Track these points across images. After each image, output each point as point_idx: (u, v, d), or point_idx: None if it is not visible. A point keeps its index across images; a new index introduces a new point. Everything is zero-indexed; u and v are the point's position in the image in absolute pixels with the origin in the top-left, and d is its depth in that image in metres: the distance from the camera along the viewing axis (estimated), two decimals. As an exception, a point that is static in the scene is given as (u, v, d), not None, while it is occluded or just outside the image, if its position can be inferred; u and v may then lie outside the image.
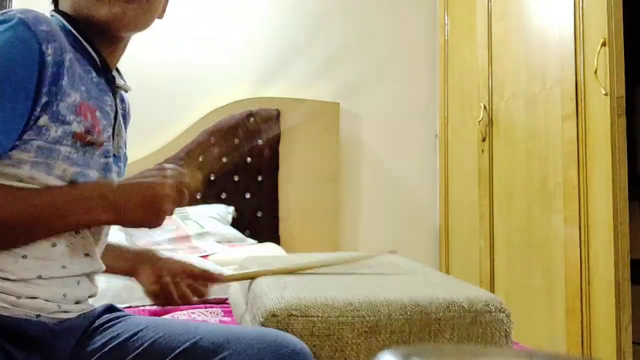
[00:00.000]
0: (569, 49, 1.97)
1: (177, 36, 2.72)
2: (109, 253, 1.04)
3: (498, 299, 1.11)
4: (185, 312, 1.64)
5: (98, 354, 0.90)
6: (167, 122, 2.71)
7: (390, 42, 2.99)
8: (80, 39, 0.94)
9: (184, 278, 1.08)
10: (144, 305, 1.71)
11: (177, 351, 0.87)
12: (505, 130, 2.37)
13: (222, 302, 1.76)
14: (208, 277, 1.12)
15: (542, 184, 2.11)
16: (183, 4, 2.72)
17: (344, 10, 2.95)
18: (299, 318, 1.01)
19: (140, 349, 0.89)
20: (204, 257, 2.04)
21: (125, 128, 1.08)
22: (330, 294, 1.09)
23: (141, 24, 0.97)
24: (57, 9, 0.99)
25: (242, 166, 2.66)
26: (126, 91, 1.06)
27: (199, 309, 1.68)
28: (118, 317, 0.98)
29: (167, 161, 2.61)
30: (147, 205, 0.88)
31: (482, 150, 2.51)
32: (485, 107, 2.49)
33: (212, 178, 2.64)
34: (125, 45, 1.02)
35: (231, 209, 2.58)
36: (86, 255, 0.94)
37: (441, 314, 1.06)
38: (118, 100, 1.02)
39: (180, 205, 0.92)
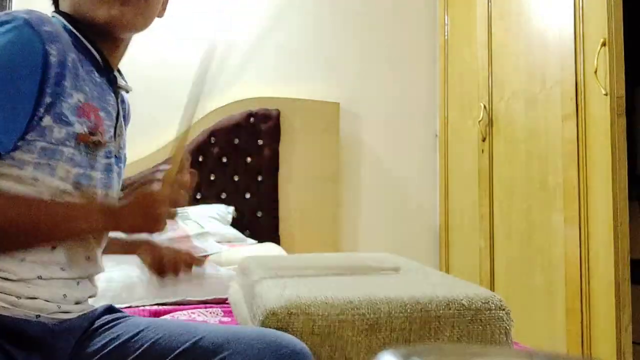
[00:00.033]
0: (569, 49, 1.97)
1: (177, 36, 2.72)
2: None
3: (497, 296, 1.11)
4: (185, 312, 1.64)
5: (98, 355, 0.90)
6: (167, 122, 2.71)
7: (390, 42, 2.99)
8: (83, 39, 0.94)
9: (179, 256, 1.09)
10: (143, 306, 1.71)
11: (177, 351, 0.87)
12: (505, 130, 2.37)
13: (222, 302, 1.76)
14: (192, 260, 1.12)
15: (542, 184, 2.11)
16: (183, 4, 2.72)
17: (344, 10, 2.95)
18: (299, 316, 1.01)
19: (140, 349, 0.89)
20: (204, 257, 2.03)
21: (125, 128, 1.09)
22: (331, 292, 1.09)
23: (140, 25, 0.97)
24: (57, 10, 0.99)
25: (242, 166, 2.66)
26: (127, 92, 1.06)
27: (199, 309, 1.68)
28: (118, 318, 0.99)
29: (167, 161, 2.60)
30: (145, 211, 0.88)
31: (482, 150, 2.51)
32: (485, 107, 2.49)
33: (212, 178, 2.64)
34: (126, 45, 1.03)
35: (231, 209, 2.58)
36: (87, 258, 0.94)
37: (441, 312, 1.06)
38: (119, 101, 1.02)
39: (180, 205, 0.92)
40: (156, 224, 0.89)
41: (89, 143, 0.89)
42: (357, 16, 2.96)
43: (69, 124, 0.86)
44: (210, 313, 1.66)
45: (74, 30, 0.93)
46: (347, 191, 2.87)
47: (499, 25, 2.44)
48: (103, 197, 0.94)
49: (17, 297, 0.83)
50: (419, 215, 2.96)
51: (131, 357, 0.89)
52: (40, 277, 0.86)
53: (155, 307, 1.70)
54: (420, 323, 1.05)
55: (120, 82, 1.03)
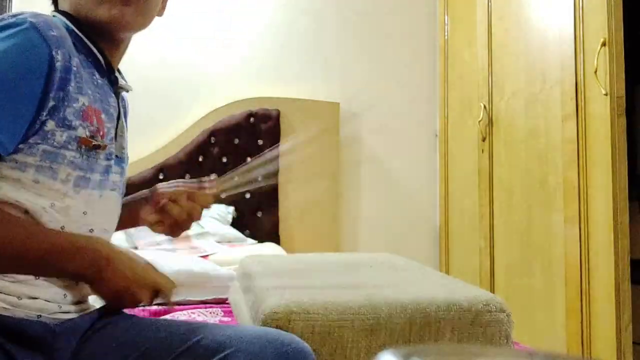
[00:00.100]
0: (569, 49, 1.97)
1: (177, 36, 2.72)
2: None
3: (498, 299, 1.11)
4: (185, 312, 1.64)
5: (99, 354, 0.90)
6: (167, 122, 2.71)
7: (390, 42, 2.99)
8: (85, 40, 0.94)
9: (181, 198, 1.08)
10: (144, 306, 1.71)
11: (179, 350, 0.87)
12: (505, 130, 2.37)
13: (222, 302, 1.76)
14: (201, 187, 1.12)
15: (542, 184, 2.11)
16: (183, 3, 2.72)
17: (344, 11, 2.95)
18: (300, 317, 1.01)
19: (142, 348, 0.89)
20: (204, 257, 2.04)
21: (126, 128, 1.09)
22: (331, 294, 1.09)
23: (139, 24, 0.97)
24: (57, 9, 0.99)
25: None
26: (127, 91, 1.06)
27: (199, 309, 1.68)
28: (119, 318, 0.98)
29: (167, 161, 2.61)
30: (123, 291, 0.90)
31: (482, 150, 2.51)
32: (485, 107, 2.49)
33: (212, 178, 2.63)
34: (127, 45, 1.03)
35: (231, 209, 2.58)
36: None
37: (441, 314, 1.06)
38: (119, 101, 1.02)
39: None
40: (125, 305, 0.93)
41: (90, 146, 0.89)
42: (357, 16, 2.96)
43: (72, 128, 0.86)
44: (210, 313, 1.66)
45: (76, 31, 0.93)
46: (347, 191, 2.87)
47: (499, 25, 2.44)
48: (97, 199, 0.94)
49: (17, 297, 0.84)
50: (419, 215, 2.96)
51: (133, 357, 0.89)
52: (37, 277, 0.86)
53: (155, 307, 1.70)
54: (420, 325, 1.05)
55: (121, 82, 1.03)
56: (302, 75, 2.88)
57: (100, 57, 0.96)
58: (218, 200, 1.10)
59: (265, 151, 2.54)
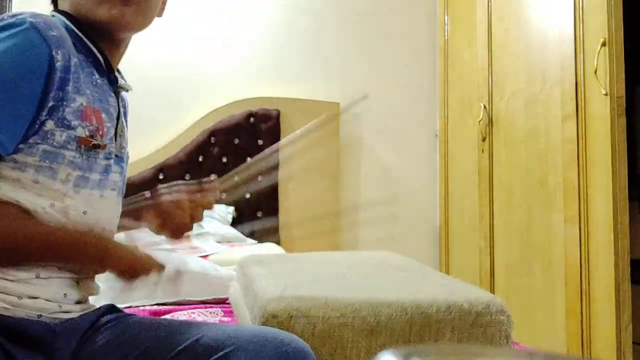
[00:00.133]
0: (569, 49, 1.97)
1: (177, 36, 2.72)
2: None
3: (498, 300, 1.11)
4: (185, 312, 1.64)
5: (100, 354, 0.91)
6: (167, 122, 2.71)
7: (390, 42, 2.99)
8: (85, 40, 0.94)
9: (183, 201, 1.10)
10: (144, 306, 1.71)
11: (179, 349, 0.87)
12: (505, 130, 2.37)
13: (222, 302, 1.76)
14: (201, 188, 1.13)
15: (542, 184, 2.11)
16: (183, 3, 2.72)
17: (344, 11, 2.95)
18: (300, 318, 1.01)
19: (142, 347, 0.89)
20: (204, 257, 2.04)
21: (126, 127, 1.09)
22: (331, 294, 1.09)
23: (140, 24, 0.97)
24: (56, 9, 0.99)
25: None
26: (127, 91, 1.07)
27: (199, 309, 1.68)
28: (119, 317, 0.99)
29: (167, 161, 2.61)
30: (133, 262, 0.91)
31: (482, 150, 2.51)
32: (485, 107, 2.49)
33: (212, 178, 2.63)
34: (126, 45, 1.03)
35: (231, 209, 2.58)
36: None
37: (442, 315, 1.06)
38: (119, 100, 1.02)
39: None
40: (131, 281, 0.93)
41: (90, 146, 0.89)
42: (357, 16, 2.96)
43: (71, 127, 0.86)
44: (210, 313, 1.66)
45: (76, 30, 0.93)
46: (347, 191, 2.87)
47: (499, 25, 2.44)
48: (98, 199, 0.94)
49: (18, 297, 0.84)
50: (419, 215, 2.96)
51: (133, 356, 0.89)
52: (38, 277, 0.86)
53: (155, 307, 1.70)
54: (420, 326, 1.05)
55: (121, 81, 1.03)
56: (302, 75, 2.88)
57: (100, 57, 0.96)
58: (219, 201, 1.10)
59: (265, 150, 2.54)
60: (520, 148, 2.26)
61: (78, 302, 0.94)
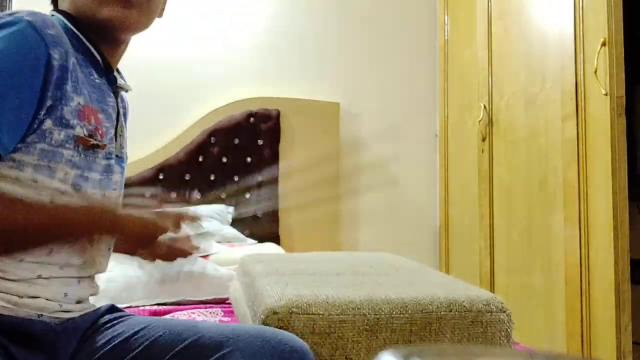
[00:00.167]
0: (569, 49, 1.97)
1: (177, 36, 2.72)
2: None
3: (499, 299, 1.11)
4: (185, 312, 1.64)
5: (100, 353, 0.91)
6: (167, 122, 2.71)
7: (390, 42, 2.99)
8: (84, 40, 0.94)
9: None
10: (144, 305, 1.71)
11: (178, 348, 0.87)
12: (505, 130, 2.37)
13: (222, 302, 1.76)
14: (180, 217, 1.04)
15: (542, 184, 2.11)
16: (183, 3, 2.72)
17: (344, 11, 2.95)
18: (300, 316, 1.01)
19: (141, 347, 0.89)
20: (204, 257, 2.04)
21: (126, 127, 1.09)
22: (332, 292, 1.09)
23: (141, 26, 0.97)
24: (56, 9, 0.99)
25: (242, 166, 2.66)
26: (127, 91, 1.06)
27: (199, 309, 1.68)
28: (119, 317, 0.99)
29: (167, 161, 2.61)
30: (145, 227, 0.88)
31: (482, 150, 2.51)
32: (485, 107, 2.49)
33: (212, 178, 2.64)
34: (126, 45, 1.03)
35: (231, 209, 2.58)
36: (85, 260, 0.94)
37: (442, 314, 1.06)
38: (119, 101, 1.02)
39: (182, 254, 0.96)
40: (152, 250, 0.91)
41: (88, 146, 0.89)
42: (357, 16, 2.96)
43: (69, 126, 0.86)
44: (210, 313, 1.66)
45: (75, 31, 0.93)
46: (347, 191, 2.87)
47: (499, 25, 2.44)
48: (101, 198, 0.94)
49: (18, 296, 0.84)
50: (419, 215, 2.96)
51: (133, 354, 0.89)
52: (40, 277, 0.86)
53: (155, 307, 1.70)
54: (420, 324, 1.05)
55: (120, 81, 1.03)
56: (302, 75, 2.88)
57: (99, 57, 0.96)
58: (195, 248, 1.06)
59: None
60: (520, 148, 2.26)
61: (78, 302, 0.93)
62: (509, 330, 1.08)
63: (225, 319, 1.59)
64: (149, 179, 2.54)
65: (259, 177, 2.67)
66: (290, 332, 0.96)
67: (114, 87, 1.01)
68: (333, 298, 1.05)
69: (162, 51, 2.70)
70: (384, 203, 2.93)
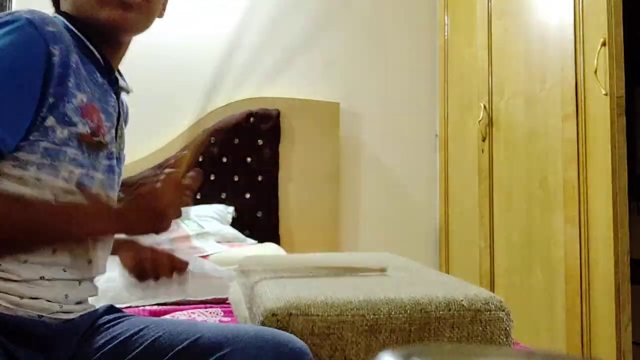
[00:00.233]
0: (569, 49, 1.97)
1: (177, 36, 2.72)
2: None
3: (498, 297, 1.11)
4: (185, 312, 1.64)
5: (100, 353, 0.91)
6: (167, 122, 2.71)
7: (390, 42, 2.99)
8: (85, 41, 0.94)
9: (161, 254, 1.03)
10: (144, 306, 1.71)
11: (177, 349, 0.87)
12: (505, 130, 2.37)
13: (222, 302, 1.76)
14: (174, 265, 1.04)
15: (542, 184, 2.11)
16: (183, 3, 2.72)
17: (344, 11, 2.95)
18: (299, 317, 1.01)
19: (141, 347, 0.90)
20: (204, 257, 2.04)
21: (125, 129, 1.09)
22: (330, 292, 1.09)
23: (142, 27, 0.98)
24: (58, 10, 0.99)
25: (242, 166, 2.66)
26: (128, 92, 1.07)
27: (199, 309, 1.68)
28: (119, 317, 0.99)
29: (166, 161, 2.61)
30: (150, 210, 0.88)
31: (482, 150, 2.51)
32: (485, 107, 2.49)
33: (212, 178, 2.64)
34: (127, 47, 1.03)
35: (231, 209, 2.58)
36: (89, 262, 0.94)
37: (441, 313, 1.06)
38: (119, 102, 1.02)
39: (185, 205, 0.92)
40: (162, 222, 0.89)
41: (91, 144, 0.89)
42: (357, 16, 2.96)
43: (72, 124, 0.86)
44: (210, 313, 1.66)
45: (76, 32, 0.93)
46: (347, 191, 2.87)
47: (499, 25, 2.44)
48: (105, 199, 0.94)
49: (19, 297, 0.84)
50: (419, 215, 2.96)
51: (132, 354, 0.89)
52: (43, 278, 0.86)
53: (155, 307, 1.70)
54: (420, 324, 1.05)
55: (121, 83, 1.03)
56: (302, 75, 2.88)
57: (100, 58, 0.96)
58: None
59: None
60: (520, 148, 2.26)
61: (79, 303, 0.94)
62: (508, 329, 1.08)
63: (225, 319, 1.59)
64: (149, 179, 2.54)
65: (259, 177, 2.67)
66: (290, 333, 0.97)
67: (115, 88, 1.01)
68: (332, 299, 1.05)
69: (163, 51, 2.70)
70: (384, 203, 2.93)
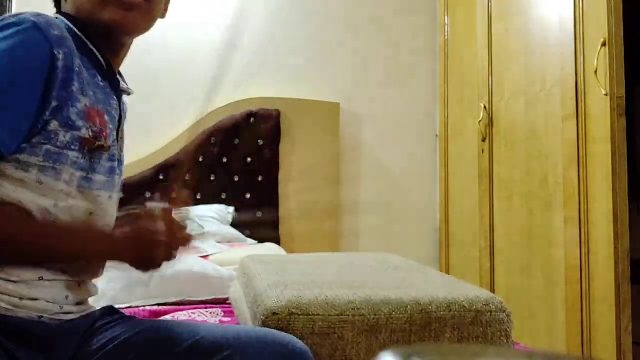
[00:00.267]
0: (569, 49, 1.97)
1: (177, 36, 2.72)
2: None
3: (498, 298, 1.11)
4: (185, 312, 1.64)
5: (99, 354, 0.91)
6: (167, 122, 2.71)
7: (391, 42, 2.99)
8: (87, 42, 0.94)
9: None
10: (143, 306, 1.71)
11: (177, 351, 0.87)
12: (505, 130, 2.37)
13: (222, 302, 1.76)
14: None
15: (542, 184, 2.11)
16: (184, 4, 2.72)
17: (344, 10, 2.95)
18: (300, 316, 1.02)
19: (141, 348, 0.89)
20: (204, 257, 2.04)
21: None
22: (331, 292, 1.09)
23: (143, 27, 0.98)
24: (59, 11, 0.99)
25: (242, 166, 2.66)
26: (129, 94, 1.07)
27: (199, 309, 1.68)
28: (118, 318, 0.99)
29: (166, 161, 2.61)
30: (143, 248, 0.87)
31: (482, 150, 2.51)
32: (485, 107, 2.49)
33: (212, 178, 2.64)
34: (128, 48, 1.03)
35: (231, 209, 2.58)
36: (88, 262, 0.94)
37: (441, 313, 1.06)
38: (120, 104, 1.02)
39: (179, 248, 0.91)
40: (152, 263, 0.89)
41: (93, 147, 0.89)
42: (357, 16, 2.96)
43: (75, 128, 0.86)
44: (210, 313, 1.66)
45: (78, 33, 0.93)
46: (347, 191, 2.87)
47: (499, 25, 2.44)
48: (106, 200, 0.94)
49: (19, 297, 0.84)
50: (419, 215, 2.96)
51: (132, 356, 0.89)
52: (42, 279, 0.86)
53: (155, 307, 1.70)
54: (420, 324, 1.05)
55: (122, 84, 1.03)
56: (302, 75, 2.88)
57: (102, 60, 0.96)
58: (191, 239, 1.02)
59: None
60: (520, 148, 2.26)
61: (78, 303, 0.94)
62: (508, 329, 1.08)
63: (225, 319, 1.59)
64: (149, 179, 2.54)
65: (259, 177, 2.67)
66: (290, 332, 0.97)
67: (117, 89, 1.01)
68: (332, 299, 1.06)
69: (163, 51, 2.70)
70: (384, 203, 2.93)
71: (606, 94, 1.78)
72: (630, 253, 1.76)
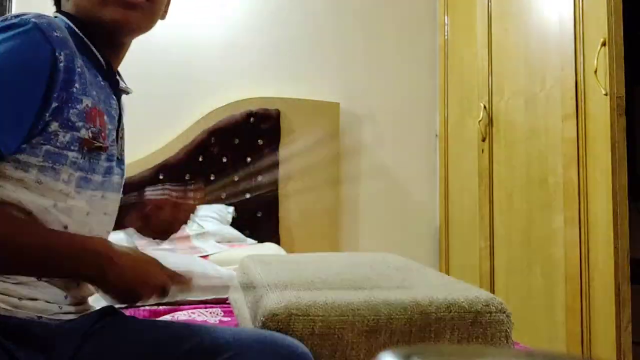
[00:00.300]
0: (569, 49, 1.97)
1: (177, 36, 2.72)
2: None
3: (498, 299, 1.11)
4: (185, 312, 1.64)
5: (99, 354, 0.91)
6: (167, 122, 2.71)
7: (391, 42, 2.99)
8: (87, 42, 0.94)
9: (166, 205, 1.11)
10: (143, 306, 1.71)
11: (178, 352, 0.87)
12: (505, 130, 2.37)
13: (222, 302, 1.76)
14: (186, 193, 1.12)
15: (542, 184, 2.11)
16: (184, 4, 2.72)
17: (344, 11, 2.95)
18: (300, 318, 1.02)
19: (141, 350, 0.89)
20: (204, 257, 2.04)
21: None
22: (331, 294, 1.09)
23: (144, 27, 0.98)
24: (59, 10, 0.99)
25: (242, 166, 2.66)
26: (128, 94, 1.07)
27: (199, 309, 1.68)
28: (118, 319, 0.99)
29: (167, 161, 2.61)
30: (139, 276, 0.88)
31: (482, 150, 2.51)
32: (485, 107, 2.49)
33: (212, 178, 2.64)
34: (128, 47, 1.03)
35: (231, 209, 2.58)
36: None
37: (441, 315, 1.06)
38: (120, 103, 1.02)
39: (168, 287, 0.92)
40: (143, 292, 0.89)
41: (92, 147, 0.89)
42: (357, 16, 2.96)
43: (75, 129, 0.86)
44: (210, 313, 1.66)
45: (78, 32, 0.93)
46: (347, 191, 2.87)
47: (499, 25, 2.44)
48: (99, 200, 0.94)
49: (18, 298, 0.84)
50: (419, 215, 2.96)
51: (132, 357, 0.89)
52: (40, 279, 0.86)
53: (155, 307, 1.70)
54: (420, 325, 1.05)
55: (122, 84, 1.03)
56: (302, 75, 2.88)
57: (102, 60, 0.96)
58: (202, 202, 1.10)
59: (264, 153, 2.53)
60: (520, 148, 2.26)
61: (78, 304, 0.94)
62: (508, 330, 1.08)
63: (226, 319, 1.59)
64: (149, 179, 2.54)
65: (259, 177, 2.67)
66: (290, 334, 0.97)
67: (116, 89, 1.01)
68: (332, 300, 1.05)
69: (163, 51, 2.70)
70: (384, 203, 2.93)
71: (606, 94, 1.78)
72: (630, 253, 1.76)
